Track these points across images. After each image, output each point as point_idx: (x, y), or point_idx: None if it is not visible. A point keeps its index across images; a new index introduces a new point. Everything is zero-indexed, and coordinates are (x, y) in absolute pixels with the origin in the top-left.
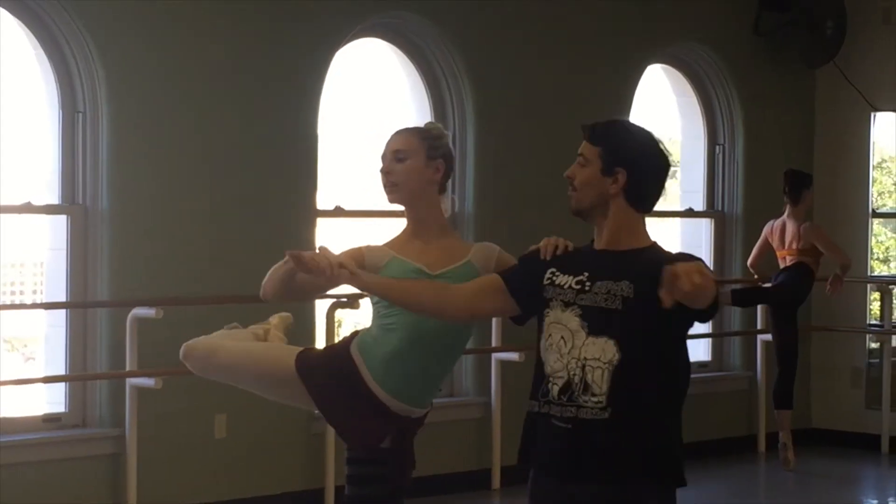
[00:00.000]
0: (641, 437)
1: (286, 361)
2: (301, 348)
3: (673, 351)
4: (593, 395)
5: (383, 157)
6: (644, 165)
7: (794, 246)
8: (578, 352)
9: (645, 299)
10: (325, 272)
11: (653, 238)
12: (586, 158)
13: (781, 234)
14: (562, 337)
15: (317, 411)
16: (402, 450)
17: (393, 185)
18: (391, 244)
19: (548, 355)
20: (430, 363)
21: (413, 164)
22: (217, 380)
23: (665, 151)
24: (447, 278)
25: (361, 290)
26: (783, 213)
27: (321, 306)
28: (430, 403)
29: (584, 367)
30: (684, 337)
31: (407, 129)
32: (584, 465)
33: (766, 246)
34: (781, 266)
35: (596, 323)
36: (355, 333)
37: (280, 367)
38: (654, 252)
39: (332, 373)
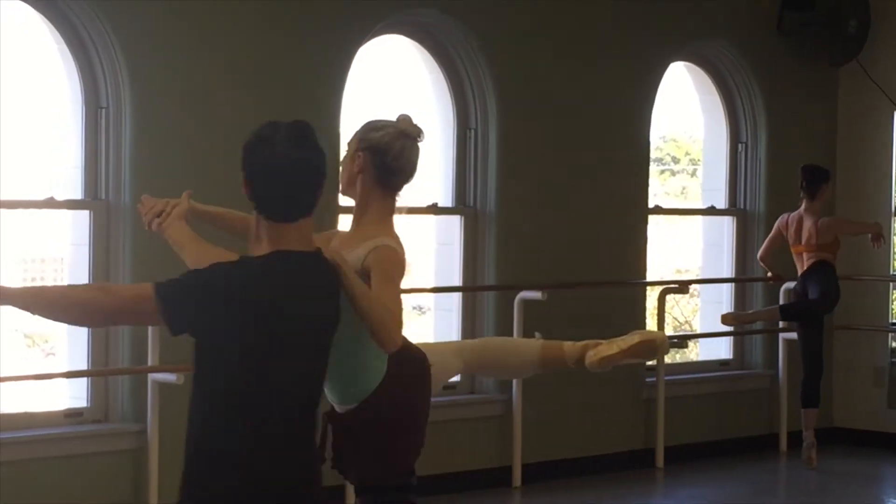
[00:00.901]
0: None
1: None
2: None
3: None
4: None
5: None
6: None
7: (814, 241)
8: None
9: None
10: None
11: None
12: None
13: (798, 229)
14: None
15: None
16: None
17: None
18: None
19: None
20: None
21: (345, 157)
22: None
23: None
24: None
25: None
26: (799, 209)
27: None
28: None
29: None
30: None
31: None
32: None
33: (779, 240)
34: (799, 263)
35: None
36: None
37: None
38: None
39: None
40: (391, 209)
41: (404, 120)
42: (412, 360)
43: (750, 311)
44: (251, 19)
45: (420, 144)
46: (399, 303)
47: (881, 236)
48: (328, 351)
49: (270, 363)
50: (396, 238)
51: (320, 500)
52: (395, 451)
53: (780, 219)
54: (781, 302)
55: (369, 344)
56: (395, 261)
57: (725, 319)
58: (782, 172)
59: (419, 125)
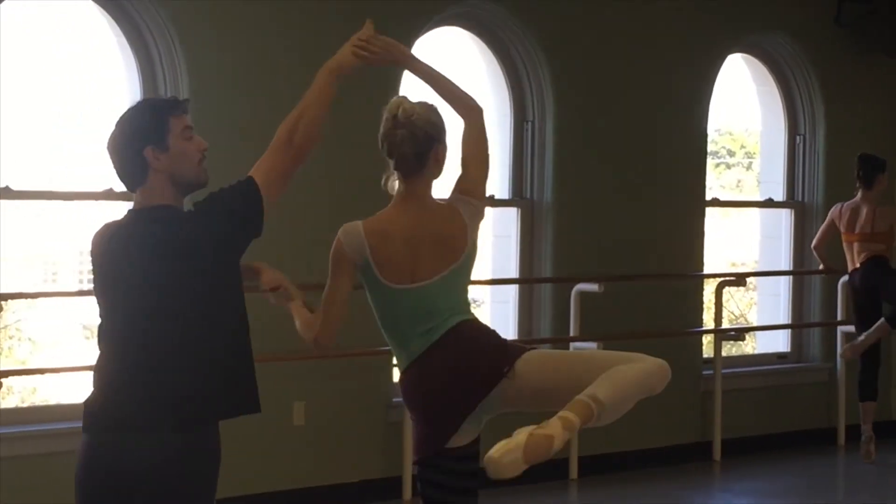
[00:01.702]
0: None
1: None
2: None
3: None
4: None
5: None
6: None
7: (868, 230)
8: None
9: None
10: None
11: None
12: None
13: (852, 218)
14: None
15: None
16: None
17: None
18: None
19: None
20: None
21: None
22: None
23: None
24: None
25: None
26: (855, 198)
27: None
28: None
29: None
30: None
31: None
32: None
33: (832, 229)
34: (849, 253)
35: None
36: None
37: None
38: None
39: None
40: (400, 191)
41: (391, 101)
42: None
43: (861, 339)
44: (311, 12)
45: (401, 124)
46: (327, 296)
47: None
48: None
49: None
50: (375, 218)
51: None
52: (414, 432)
53: (833, 208)
54: (840, 296)
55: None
56: (332, 251)
57: (844, 355)
58: (840, 164)
59: (402, 105)
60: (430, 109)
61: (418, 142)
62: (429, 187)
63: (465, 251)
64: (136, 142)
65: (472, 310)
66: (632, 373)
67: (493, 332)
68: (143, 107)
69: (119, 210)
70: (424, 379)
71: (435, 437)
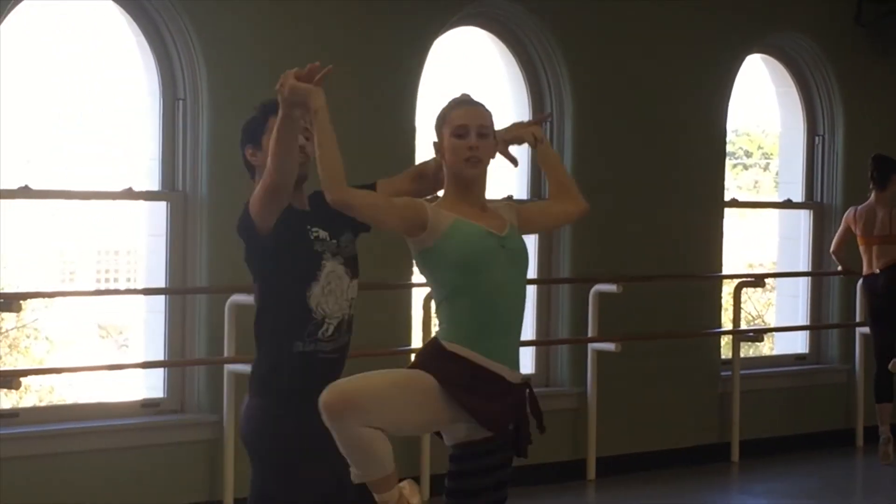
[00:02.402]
0: None
1: (421, 376)
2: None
3: None
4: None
5: (465, 130)
6: None
7: (888, 231)
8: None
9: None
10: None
11: None
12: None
13: (868, 220)
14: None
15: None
16: (520, 435)
17: (478, 160)
18: (448, 209)
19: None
20: (500, 312)
21: (492, 143)
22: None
23: None
24: (512, 240)
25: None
26: (868, 200)
27: (418, 294)
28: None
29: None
30: None
31: (481, 105)
32: None
33: (848, 234)
34: (867, 256)
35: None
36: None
37: (419, 382)
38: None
39: (446, 370)
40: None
41: None
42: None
43: None
44: (329, 11)
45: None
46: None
47: None
48: None
49: None
50: None
51: None
52: None
53: (847, 212)
54: (859, 297)
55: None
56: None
57: (893, 367)
58: (860, 165)
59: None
60: None
61: None
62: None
63: None
64: (241, 141)
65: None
66: None
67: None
68: (257, 108)
69: (139, 209)
70: None
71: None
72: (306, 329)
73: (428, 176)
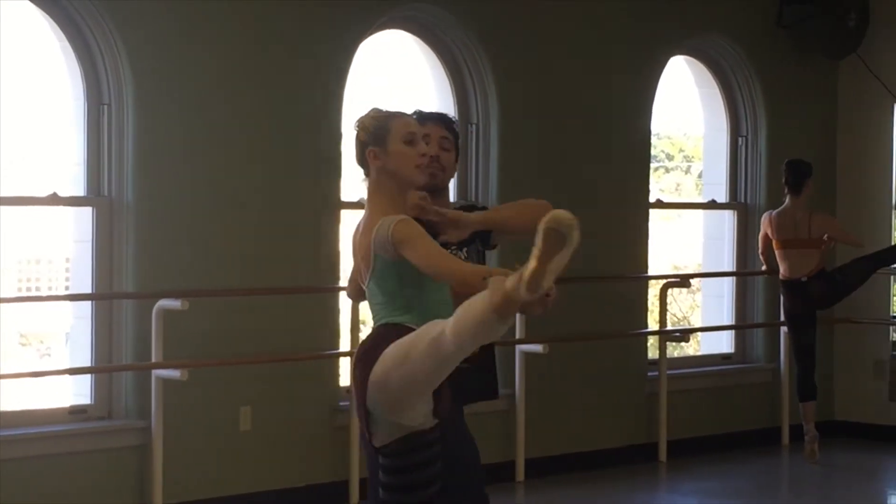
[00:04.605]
0: None
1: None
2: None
3: None
4: None
5: (425, 140)
6: None
7: (806, 236)
8: None
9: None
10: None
11: None
12: (451, 143)
13: (785, 225)
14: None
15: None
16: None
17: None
18: None
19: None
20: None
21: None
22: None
23: None
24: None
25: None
26: (784, 204)
27: (345, 297)
28: None
29: None
30: None
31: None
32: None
33: (768, 237)
34: (788, 261)
35: None
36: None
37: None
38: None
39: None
40: None
41: None
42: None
43: None
44: (253, 16)
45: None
46: (438, 250)
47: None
48: None
49: None
50: None
51: None
52: None
53: (763, 217)
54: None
55: None
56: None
57: None
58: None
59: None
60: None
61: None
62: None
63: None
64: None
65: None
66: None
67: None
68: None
69: (64, 215)
70: None
71: None
72: None
73: None
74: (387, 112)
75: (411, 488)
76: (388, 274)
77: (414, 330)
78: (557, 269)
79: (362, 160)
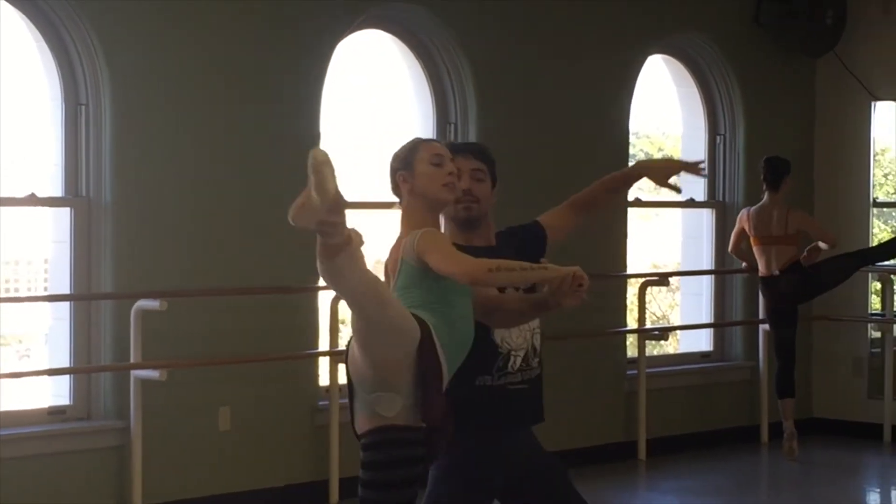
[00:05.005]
0: None
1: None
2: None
3: None
4: (536, 356)
5: (455, 173)
6: None
7: (782, 232)
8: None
9: None
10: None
11: None
12: (484, 174)
13: (763, 222)
14: None
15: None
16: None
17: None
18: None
19: (506, 333)
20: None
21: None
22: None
23: None
24: None
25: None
26: (762, 201)
27: (324, 297)
28: None
29: (532, 335)
30: None
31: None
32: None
33: (743, 233)
34: (766, 257)
35: None
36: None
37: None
38: (503, 239)
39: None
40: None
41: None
42: None
43: None
44: (230, 16)
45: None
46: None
47: (818, 251)
48: None
49: None
50: None
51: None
52: None
53: (741, 213)
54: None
55: None
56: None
57: None
58: (760, 164)
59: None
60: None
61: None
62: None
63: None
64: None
65: None
66: None
67: None
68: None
69: (42, 215)
70: None
71: None
72: (495, 364)
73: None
74: (418, 138)
75: (386, 486)
76: (412, 277)
77: (424, 321)
78: (330, 179)
79: (396, 187)
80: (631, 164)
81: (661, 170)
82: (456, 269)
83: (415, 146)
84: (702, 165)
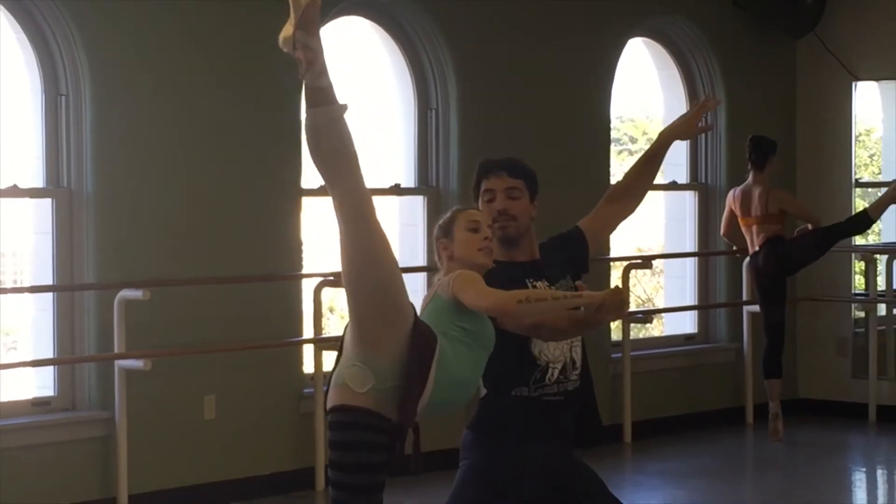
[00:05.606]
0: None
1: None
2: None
3: None
4: (575, 369)
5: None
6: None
7: (761, 212)
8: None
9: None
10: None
11: None
12: (520, 191)
13: (745, 201)
14: None
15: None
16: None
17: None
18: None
19: (544, 346)
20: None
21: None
22: None
23: None
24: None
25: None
26: (746, 180)
27: (308, 285)
28: None
29: (571, 348)
30: None
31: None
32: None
33: (733, 215)
34: (748, 236)
35: None
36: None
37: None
38: (546, 250)
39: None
40: None
41: None
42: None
43: None
44: (210, 4)
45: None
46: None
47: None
48: None
49: None
50: None
51: None
52: None
53: (729, 194)
54: (745, 276)
55: None
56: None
57: None
58: (742, 145)
59: None
60: None
61: None
62: None
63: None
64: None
65: None
66: None
67: None
68: None
69: (24, 206)
70: None
71: None
72: (532, 376)
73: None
74: (457, 208)
75: (350, 468)
76: (442, 306)
77: (436, 336)
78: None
79: (438, 254)
80: (613, 148)
81: (682, 125)
82: (486, 302)
83: (454, 216)
84: (710, 99)
